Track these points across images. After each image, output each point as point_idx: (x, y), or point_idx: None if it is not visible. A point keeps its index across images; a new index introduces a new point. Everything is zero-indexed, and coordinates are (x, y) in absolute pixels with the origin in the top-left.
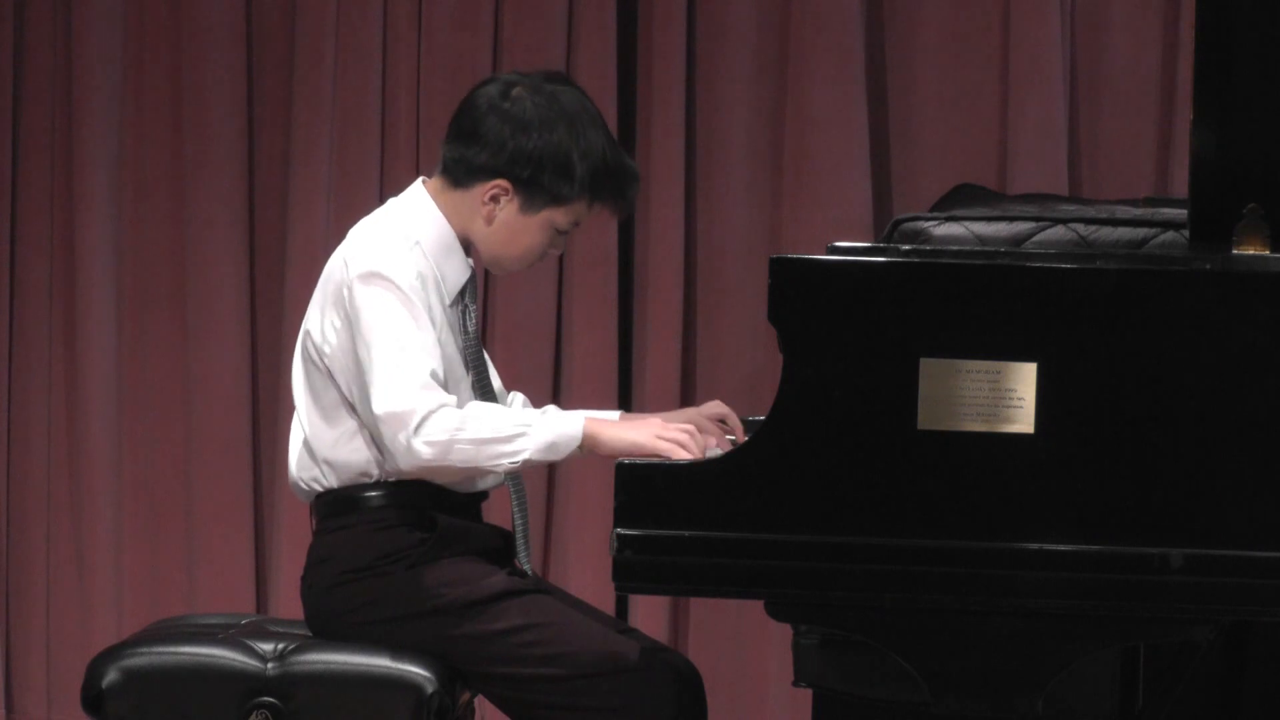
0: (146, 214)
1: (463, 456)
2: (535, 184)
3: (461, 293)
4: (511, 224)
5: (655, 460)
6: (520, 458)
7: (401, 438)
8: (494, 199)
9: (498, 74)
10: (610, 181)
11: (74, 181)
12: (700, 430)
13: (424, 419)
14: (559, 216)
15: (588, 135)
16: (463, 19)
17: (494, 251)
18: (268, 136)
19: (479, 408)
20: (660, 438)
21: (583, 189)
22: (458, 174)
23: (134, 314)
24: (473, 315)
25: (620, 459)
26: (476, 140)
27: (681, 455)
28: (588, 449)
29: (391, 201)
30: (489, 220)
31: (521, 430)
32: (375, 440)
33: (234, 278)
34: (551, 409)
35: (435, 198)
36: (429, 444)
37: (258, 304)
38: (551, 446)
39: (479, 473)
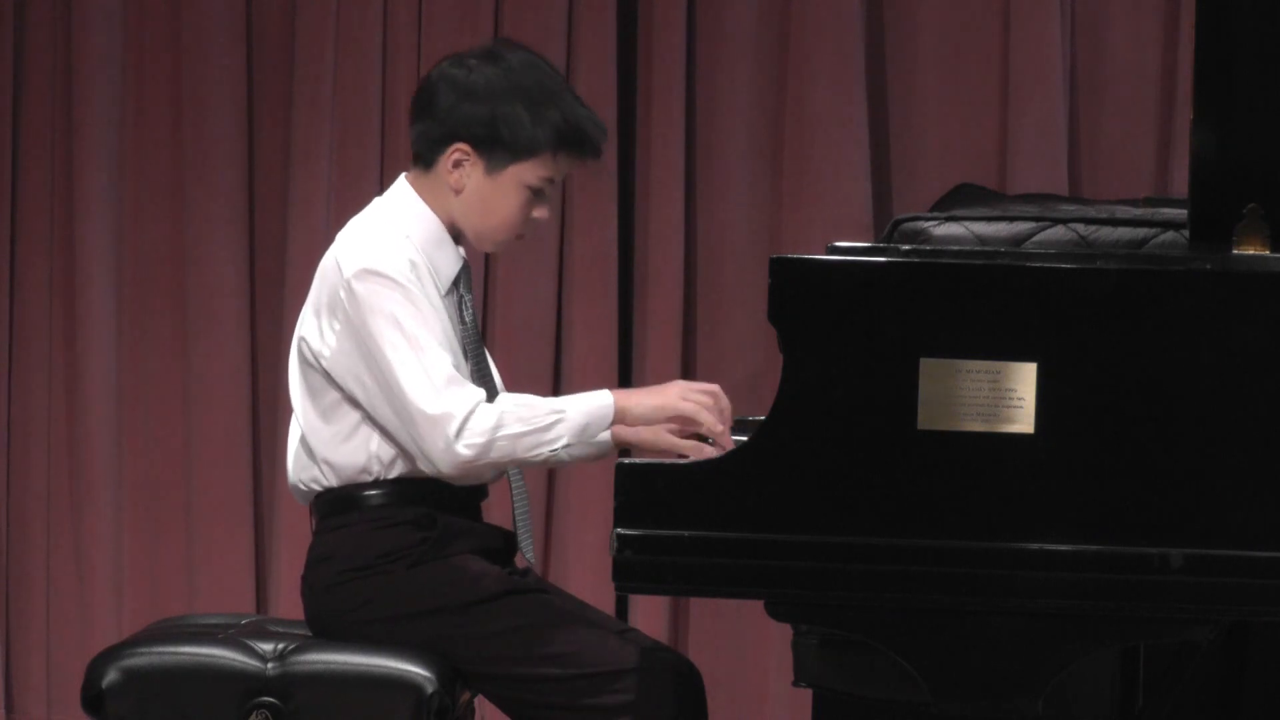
0: (146, 214)
1: (502, 453)
2: (494, 141)
3: (455, 282)
4: (480, 189)
5: (655, 460)
6: (559, 444)
7: (440, 442)
8: (457, 164)
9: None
10: (570, 129)
11: (74, 181)
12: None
13: (464, 422)
14: (527, 173)
15: (540, 87)
16: (463, 19)
17: (473, 224)
18: (268, 136)
19: (512, 400)
20: (685, 398)
21: (544, 140)
22: (424, 152)
23: (134, 314)
24: (469, 305)
25: (620, 459)
26: (432, 113)
27: (706, 419)
28: (618, 422)
29: (377, 200)
30: (458, 190)
31: (556, 417)
32: (404, 444)
33: (234, 278)
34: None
35: (416, 188)
36: (469, 446)
37: (258, 304)
38: (585, 428)
39: (517, 465)
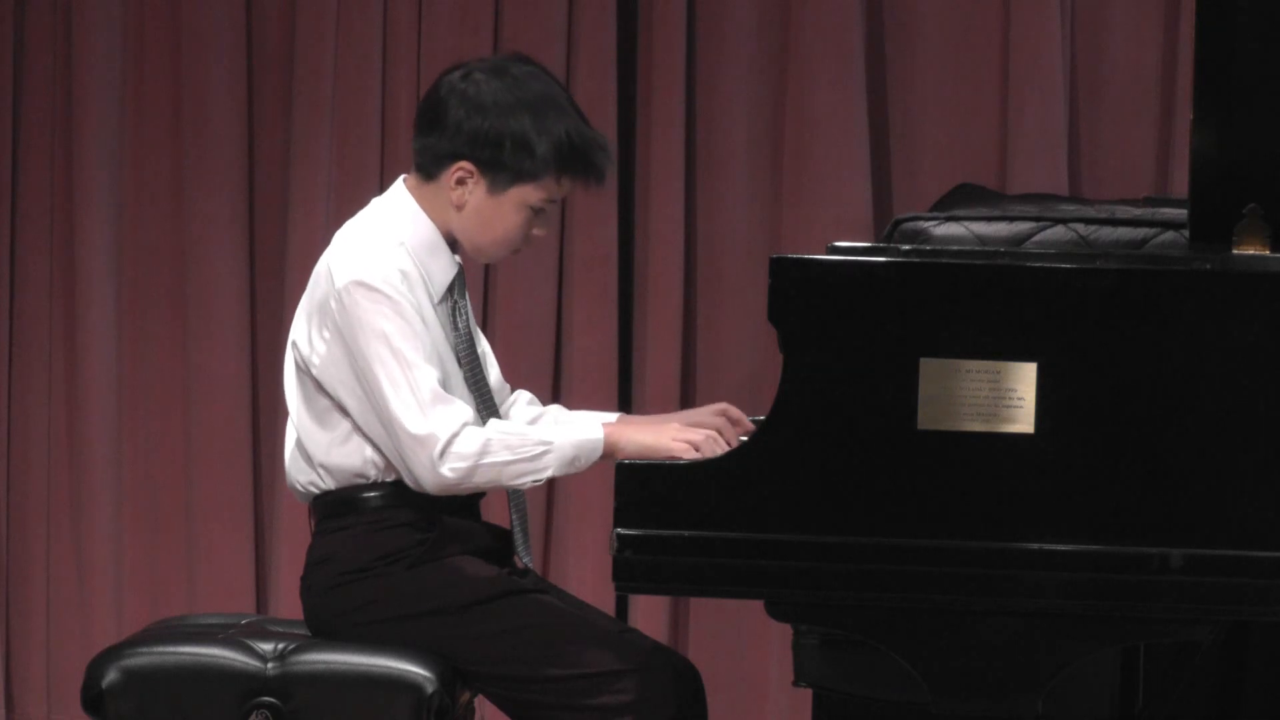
0: (146, 214)
1: (486, 477)
2: (498, 163)
3: (450, 290)
4: (482, 208)
5: (655, 460)
6: (544, 475)
7: (426, 462)
8: (460, 182)
9: (462, 62)
10: (575, 152)
11: (74, 181)
12: (722, 432)
13: (448, 443)
14: (530, 194)
15: (548, 109)
16: (463, 19)
17: (472, 239)
18: (268, 136)
19: (500, 427)
20: (676, 440)
21: (547, 163)
22: (427, 165)
23: (134, 314)
24: (463, 311)
25: (620, 460)
26: (438, 127)
27: (693, 458)
28: (607, 456)
29: (375, 201)
30: (460, 206)
31: (544, 448)
32: (391, 458)
33: (234, 278)
34: (554, 409)
35: (414, 194)
36: (454, 470)
37: (258, 304)
38: (574, 461)
39: (502, 488)
